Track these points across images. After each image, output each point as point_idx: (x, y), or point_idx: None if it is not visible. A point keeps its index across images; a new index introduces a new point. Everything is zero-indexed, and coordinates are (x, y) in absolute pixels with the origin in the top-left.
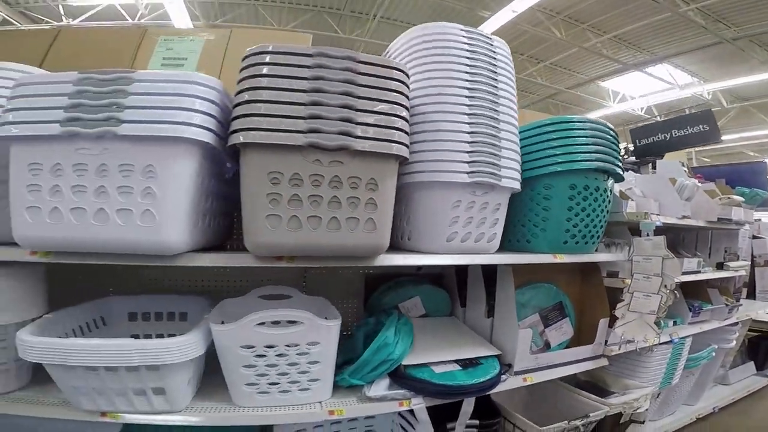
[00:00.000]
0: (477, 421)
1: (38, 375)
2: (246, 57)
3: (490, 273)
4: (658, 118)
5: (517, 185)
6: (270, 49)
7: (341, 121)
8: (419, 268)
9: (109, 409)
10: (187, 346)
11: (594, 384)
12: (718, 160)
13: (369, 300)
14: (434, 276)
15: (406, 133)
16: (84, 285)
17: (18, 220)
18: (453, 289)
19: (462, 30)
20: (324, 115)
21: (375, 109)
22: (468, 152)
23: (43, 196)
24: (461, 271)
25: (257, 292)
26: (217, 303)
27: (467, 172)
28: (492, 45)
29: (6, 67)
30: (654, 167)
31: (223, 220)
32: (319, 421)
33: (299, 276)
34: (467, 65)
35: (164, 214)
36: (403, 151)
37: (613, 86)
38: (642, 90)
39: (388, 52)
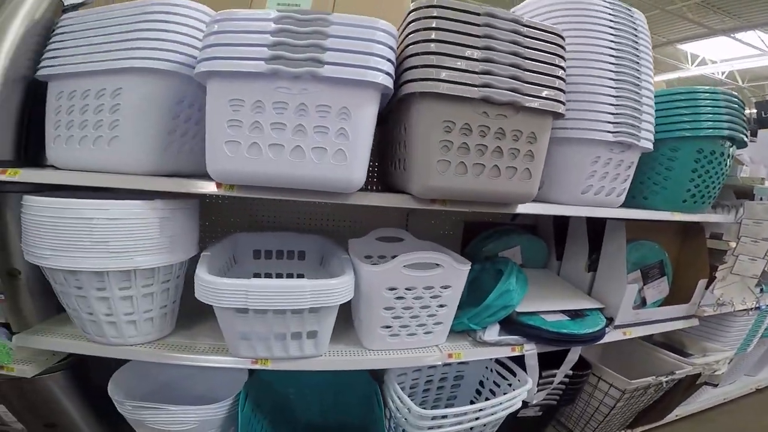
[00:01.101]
0: (571, 371)
1: (180, 319)
2: (416, 10)
3: (593, 227)
4: (741, 84)
5: (651, 146)
6: (439, 3)
7: (511, 78)
8: (514, 217)
9: (264, 356)
10: (348, 287)
11: (669, 345)
12: None
13: (467, 247)
14: (528, 227)
15: (564, 92)
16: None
17: (216, 153)
18: (549, 241)
19: (604, 0)
20: (495, 71)
21: (540, 70)
22: (613, 114)
23: (244, 131)
24: (559, 223)
25: (375, 234)
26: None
27: (612, 132)
28: (632, 16)
29: (188, 5)
30: (754, 135)
31: None
32: (436, 364)
33: (401, 220)
34: (612, 34)
35: (353, 154)
36: (563, 110)
37: (692, 49)
38: (724, 54)
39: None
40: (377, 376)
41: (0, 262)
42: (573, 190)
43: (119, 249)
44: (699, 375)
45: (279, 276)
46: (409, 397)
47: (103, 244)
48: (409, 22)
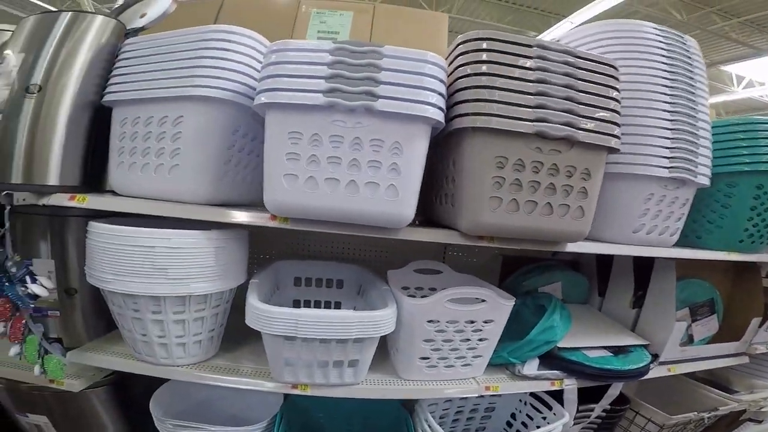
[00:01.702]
0: (609, 406)
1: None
2: (464, 42)
3: (640, 263)
4: None
5: (707, 181)
6: (488, 36)
7: (566, 112)
8: (554, 253)
9: (305, 382)
10: (392, 319)
11: (713, 381)
12: None
13: (505, 280)
14: (569, 262)
15: (619, 126)
16: None
17: (274, 186)
18: (591, 276)
19: (655, 28)
20: (550, 105)
21: (595, 103)
22: (669, 148)
23: (302, 164)
24: (603, 259)
25: (413, 266)
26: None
27: (667, 167)
28: (686, 44)
29: (245, 33)
30: None
31: None
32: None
33: (439, 252)
34: (665, 63)
35: (405, 190)
36: (618, 144)
37: (737, 70)
38: None
39: (559, 41)
40: (407, 404)
41: (60, 280)
42: (624, 228)
43: (177, 276)
44: (744, 411)
45: (317, 303)
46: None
47: (163, 271)
48: (458, 55)
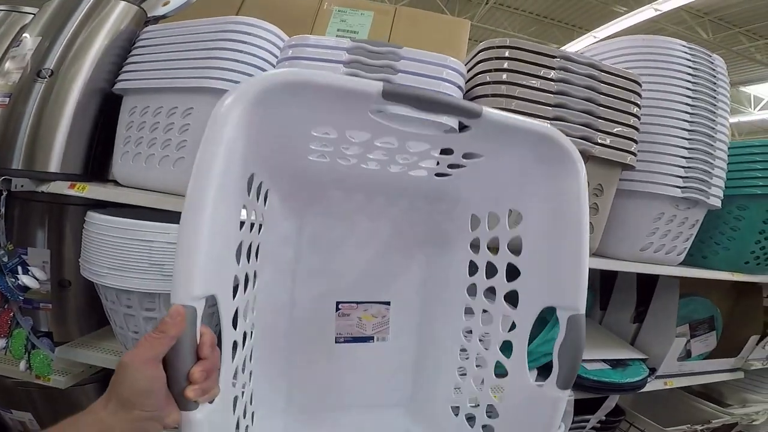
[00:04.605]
0: (604, 417)
1: None
2: (486, 49)
3: (643, 279)
4: None
5: (719, 203)
6: (512, 44)
7: (583, 125)
8: None
9: None
10: None
11: (707, 394)
12: None
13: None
14: None
15: (637, 143)
16: None
17: None
18: (594, 290)
19: (684, 46)
20: (567, 118)
21: (614, 118)
22: (684, 167)
23: None
24: (606, 273)
25: None
26: None
27: (681, 187)
28: (713, 63)
29: (263, 26)
30: None
31: None
32: None
33: None
34: (690, 81)
35: None
36: (634, 161)
37: (757, 92)
38: None
39: (582, 53)
40: None
41: (54, 272)
42: (632, 246)
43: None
44: (735, 425)
45: None
46: None
47: (159, 267)
48: (479, 62)
